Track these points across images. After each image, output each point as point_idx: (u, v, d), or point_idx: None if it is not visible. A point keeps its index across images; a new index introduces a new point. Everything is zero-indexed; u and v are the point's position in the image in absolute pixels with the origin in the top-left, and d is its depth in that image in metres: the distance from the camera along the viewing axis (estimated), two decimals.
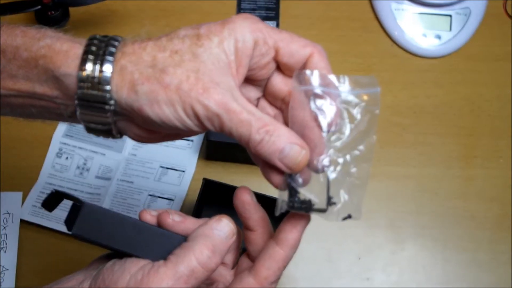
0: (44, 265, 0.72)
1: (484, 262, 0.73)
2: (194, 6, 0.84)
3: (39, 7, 0.76)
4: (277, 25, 0.83)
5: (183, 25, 0.87)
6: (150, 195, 0.74)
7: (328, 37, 0.82)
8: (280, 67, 0.45)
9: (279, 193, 0.43)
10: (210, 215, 0.72)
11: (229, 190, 0.70)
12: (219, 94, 0.40)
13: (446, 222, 0.74)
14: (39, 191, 0.73)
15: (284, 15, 0.84)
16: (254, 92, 0.46)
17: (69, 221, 0.45)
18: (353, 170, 0.43)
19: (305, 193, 0.43)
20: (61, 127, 0.77)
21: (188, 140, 0.76)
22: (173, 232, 0.46)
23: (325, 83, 0.43)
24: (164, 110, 0.41)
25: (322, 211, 0.43)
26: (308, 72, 0.42)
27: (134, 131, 0.44)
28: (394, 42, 0.82)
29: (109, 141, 0.76)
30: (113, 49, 0.42)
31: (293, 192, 0.42)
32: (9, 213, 0.71)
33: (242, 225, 0.48)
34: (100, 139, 0.76)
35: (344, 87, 0.43)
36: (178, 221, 0.47)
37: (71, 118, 0.45)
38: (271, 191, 0.71)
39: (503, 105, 0.80)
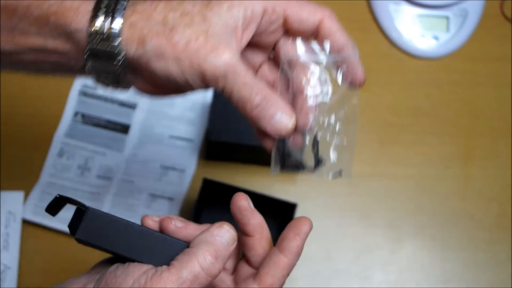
0: (45, 264, 0.72)
1: (483, 261, 0.73)
2: None
3: None
4: None
5: None
6: (150, 194, 0.74)
7: None
8: (290, 33, 0.46)
9: (273, 155, 0.46)
10: (210, 215, 0.73)
11: (229, 190, 0.70)
12: (227, 54, 0.42)
13: (445, 222, 0.75)
14: (40, 191, 0.74)
15: None
16: (258, 57, 0.48)
17: (72, 226, 0.46)
18: (340, 131, 0.47)
19: (295, 155, 0.47)
20: (63, 127, 0.77)
21: (188, 140, 0.77)
22: (176, 238, 0.47)
23: (308, 50, 0.46)
24: (170, 66, 0.43)
25: (311, 170, 0.47)
26: (290, 41, 0.45)
27: (140, 84, 0.46)
28: (392, 43, 0.82)
29: (110, 141, 0.77)
30: (123, 5, 0.44)
31: (285, 155, 0.46)
32: (11, 212, 0.72)
33: (240, 231, 0.48)
34: (101, 139, 0.77)
35: (325, 53, 0.46)
36: (180, 227, 0.48)
37: (81, 71, 0.46)
38: (271, 191, 0.72)
39: (502, 105, 0.80)
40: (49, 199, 0.74)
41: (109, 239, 0.45)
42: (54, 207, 0.47)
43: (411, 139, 0.78)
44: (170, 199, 0.74)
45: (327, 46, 0.46)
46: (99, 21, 0.43)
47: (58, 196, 0.46)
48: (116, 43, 0.43)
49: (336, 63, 0.46)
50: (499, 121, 0.79)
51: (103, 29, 0.43)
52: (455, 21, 0.82)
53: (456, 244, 0.74)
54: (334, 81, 0.46)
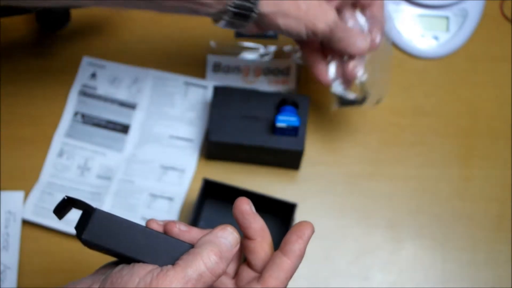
0: (46, 264, 0.72)
1: (483, 262, 0.73)
2: None
3: (41, 8, 0.76)
4: None
5: (183, 26, 0.88)
6: (150, 194, 0.74)
7: None
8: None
9: (332, 94, 0.69)
10: (210, 215, 0.73)
11: (229, 190, 0.70)
12: (333, 15, 0.62)
13: (445, 222, 0.75)
14: (40, 191, 0.74)
15: None
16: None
17: (79, 227, 0.46)
18: (377, 74, 0.69)
19: (348, 94, 0.69)
20: (62, 127, 0.77)
21: (188, 140, 0.77)
22: (181, 240, 0.47)
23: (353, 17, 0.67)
24: (291, 23, 0.61)
25: (360, 102, 0.70)
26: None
27: (252, 29, 0.63)
28: (392, 43, 0.82)
29: (110, 141, 0.77)
30: None
31: (341, 95, 0.69)
32: (10, 212, 0.72)
33: (241, 235, 0.49)
34: (101, 139, 0.77)
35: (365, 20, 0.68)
36: (184, 231, 0.49)
37: (209, 15, 0.61)
38: (271, 191, 0.72)
39: (502, 106, 0.80)
40: (49, 199, 0.75)
41: (116, 240, 0.45)
42: (61, 209, 0.47)
43: (411, 139, 0.78)
44: (170, 199, 0.74)
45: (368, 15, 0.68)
46: None
47: (66, 198, 0.47)
48: (256, 2, 0.59)
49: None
50: (499, 121, 0.79)
51: None
52: (455, 21, 0.82)
53: (456, 245, 0.74)
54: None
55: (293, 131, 0.71)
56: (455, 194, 0.76)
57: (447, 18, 0.82)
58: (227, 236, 0.46)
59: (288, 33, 0.63)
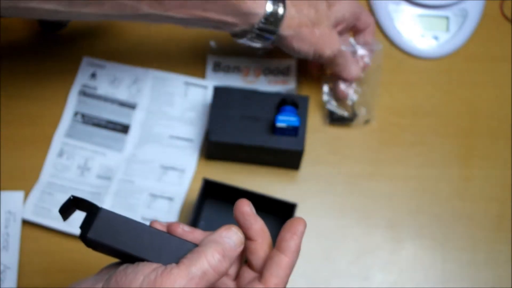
0: (46, 264, 0.72)
1: (483, 262, 0.73)
2: None
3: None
4: None
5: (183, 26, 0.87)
6: (150, 194, 0.74)
7: None
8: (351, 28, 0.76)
9: (326, 110, 0.77)
10: (210, 215, 0.73)
11: (229, 190, 0.70)
12: (338, 43, 0.71)
13: (445, 222, 0.75)
14: (40, 191, 0.74)
15: None
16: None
17: (84, 226, 0.46)
18: (367, 95, 0.77)
19: (339, 112, 0.77)
20: (62, 127, 0.77)
21: (188, 140, 0.77)
22: (185, 240, 0.48)
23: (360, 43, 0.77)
24: (304, 46, 0.69)
25: (351, 120, 0.77)
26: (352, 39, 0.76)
27: (266, 45, 0.70)
28: (391, 43, 0.82)
29: (110, 141, 0.77)
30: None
31: (333, 112, 0.77)
32: (10, 212, 0.72)
33: None
34: (101, 139, 0.77)
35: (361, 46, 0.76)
36: (187, 231, 0.50)
37: (232, 32, 0.69)
38: (271, 191, 0.72)
39: (502, 106, 0.80)
40: (49, 199, 0.75)
41: (121, 239, 0.46)
42: (67, 209, 0.48)
43: (411, 139, 0.78)
44: (170, 199, 0.74)
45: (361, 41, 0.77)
46: (269, 7, 0.65)
47: (72, 197, 0.47)
48: (278, 26, 0.67)
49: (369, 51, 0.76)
50: (499, 121, 0.79)
51: (273, 17, 0.66)
52: (455, 21, 0.82)
53: (456, 245, 0.74)
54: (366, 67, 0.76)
55: (293, 131, 0.71)
56: (455, 194, 0.76)
57: (447, 18, 0.82)
58: (231, 236, 0.47)
59: (298, 54, 0.71)
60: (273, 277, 0.47)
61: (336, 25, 0.71)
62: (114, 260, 0.49)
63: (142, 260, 0.46)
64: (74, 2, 0.58)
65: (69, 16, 0.62)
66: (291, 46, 0.69)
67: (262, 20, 0.65)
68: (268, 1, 0.65)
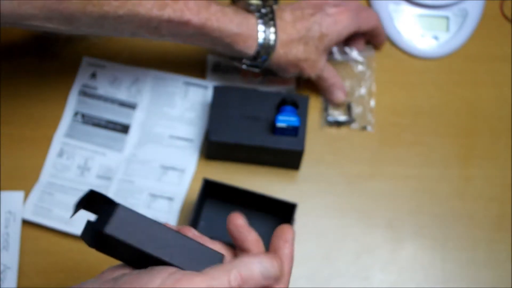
0: (46, 264, 0.72)
1: (483, 261, 0.73)
2: None
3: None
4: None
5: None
6: (150, 194, 0.74)
7: None
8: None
9: (321, 112, 0.78)
10: (210, 215, 0.73)
11: (229, 190, 0.70)
12: (323, 64, 0.74)
13: (445, 222, 0.75)
14: (40, 191, 0.74)
15: None
16: None
17: (99, 222, 0.44)
18: (364, 100, 0.79)
19: (337, 117, 0.78)
20: (62, 127, 0.77)
21: (188, 140, 0.77)
22: (209, 247, 0.46)
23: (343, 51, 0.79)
24: (291, 68, 0.72)
25: (348, 123, 0.78)
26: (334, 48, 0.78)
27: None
28: (391, 43, 0.82)
29: (110, 141, 0.77)
30: (274, 35, 0.70)
31: (329, 116, 0.78)
32: (10, 212, 0.72)
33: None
34: (101, 139, 0.77)
35: (355, 52, 0.79)
36: (198, 236, 0.49)
37: (231, 55, 0.73)
38: (271, 191, 0.72)
39: (502, 106, 0.80)
40: (49, 199, 0.75)
41: (138, 237, 0.44)
42: (84, 202, 0.46)
43: (411, 139, 0.78)
44: (170, 199, 0.74)
45: (353, 49, 0.79)
46: (258, 49, 0.70)
47: (90, 191, 0.45)
48: (264, 64, 0.72)
49: (362, 57, 0.80)
50: (499, 121, 0.79)
51: (261, 56, 0.70)
52: (455, 21, 0.82)
53: (456, 244, 0.74)
54: (360, 73, 0.80)
55: (293, 131, 0.71)
56: (455, 194, 0.76)
57: (447, 18, 0.82)
58: (266, 265, 0.46)
59: (285, 74, 0.74)
60: (279, 283, 0.48)
61: (327, 51, 0.74)
62: (116, 262, 0.48)
63: (158, 260, 0.44)
64: (75, 24, 0.59)
65: (72, 32, 0.64)
66: (279, 66, 0.73)
67: (250, 59, 0.71)
68: (259, 43, 0.69)
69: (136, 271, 0.44)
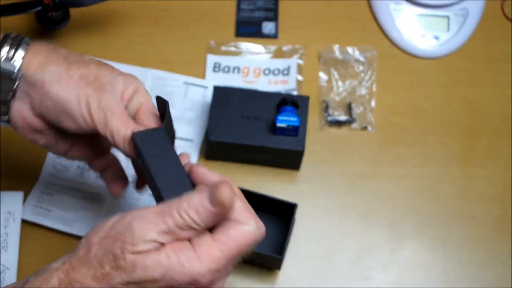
0: (45, 264, 0.72)
1: (484, 261, 0.73)
2: (194, 6, 0.84)
3: (40, 8, 0.76)
4: (276, 26, 0.84)
5: (183, 25, 0.88)
6: (150, 194, 0.74)
7: (327, 37, 0.83)
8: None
9: (321, 112, 0.78)
10: None
11: None
12: (109, 97, 0.52)
13: (446, 222, 0.74)
14: (40, 191, 0.74)
15: (283, 16, 0.84)
16: None
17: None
18: (364, 101, 0.79)
19: (338, 117, 0.77)
20: None
21: (188, 140, 0.77)
22: (189, 179, 0.50)
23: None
24: (63, 90, 0.52)
25: (349, 123, 0.77)
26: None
27: (24, 115, 0.55)
28: (392, 42, 0.82)
29: None
30: (28, 41, 0.53)
31: (330, 116, 0.77)
32: (10, 213, 0.72)
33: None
34: None
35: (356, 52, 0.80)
36: (205, 173, 0.51)
37: None
38: (271, 191, 0.72)
39: (502, 105, 0.80)
40: (48, 199, 0.75)
41: (152, 152, 0.51)
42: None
43: (412, 139, 0.78)
44: None
45: (355, 48, 0.80)
46: (4, 50, 0.53)
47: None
48: (16, 64, 0.52)
49: (363, 58, 0.80)
50: (500, 121, 0.79)
51: (8, 55, 0.52)
52: (456, 20, 0.82)
53: (456, 244, 0.74)
54: (361, 73, 0.80)
55: (293, 131, 0.71)
56: (456, 194, 0.76)
57: (447, 17, 0.82)
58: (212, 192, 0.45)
59: (64, 111, 0.54)
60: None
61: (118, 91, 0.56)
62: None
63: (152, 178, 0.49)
64: None
65: None
66: (47, 93, 0.54)
67: None
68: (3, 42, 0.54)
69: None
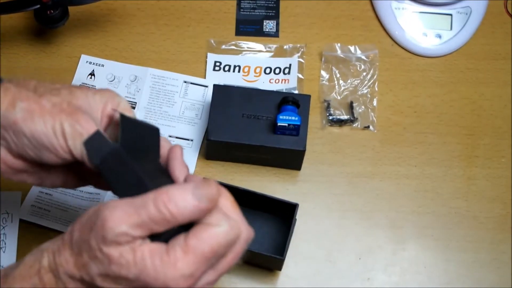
0: None
1: (486, 262, 0.72)
2: (194, 6, 0.84)
3: (38, 6, 0.75)
4: (277, 24, 0.83)
5: (183, 24, 0.88)
6: None
7: (328, 36, 0.82)
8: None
9: (323, 111, 0.78)
10: None
11: (230, 190, 0.69)
12: (85, 120, 0.49)
13: (448, 222, 0.74)
14: (38, 191, 0.73)
15: (284, 14, 0.84)
16: None
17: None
18: (366, 101, 0.78)
19: (339, 116, 0.77)
20: None
21: (188, 139, 0.76)
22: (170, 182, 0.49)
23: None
24: (37, 124, 0.48)
25: (351, 122, 0.77)
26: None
27: (4, 160, 0.52)
28: (394, 41, 0.82)
29: None
30: None
31: (332, 115, 0.77)
32: (8, 213, 0.72)
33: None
34: None
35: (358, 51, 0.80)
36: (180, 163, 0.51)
37: None
38: (271, 191, 0.71)
39: (505, 104, 0.80)
40: (46, 199, 0.74)
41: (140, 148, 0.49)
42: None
43: (414, 138, 0.78)
44: None
45: (357, 48, 0.80)
46: None
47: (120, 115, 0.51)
48: None
49: (366, 57, 0.79)
50: (502, 121, 0.79)
51: None
52: (459, 19, 0.82)
53: (459, 245, 0.73)
54: (363, 72, 0.79)
55: (294, 131, 0.71)
56: (458, 194, 0.75)
57: (450, 16, 0.82)
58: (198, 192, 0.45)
59: (40, 145, 0.51)
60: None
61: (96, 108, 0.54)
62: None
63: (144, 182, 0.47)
64: None
65: None
66: (21, 131, 0.51)
67: None
68: None
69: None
